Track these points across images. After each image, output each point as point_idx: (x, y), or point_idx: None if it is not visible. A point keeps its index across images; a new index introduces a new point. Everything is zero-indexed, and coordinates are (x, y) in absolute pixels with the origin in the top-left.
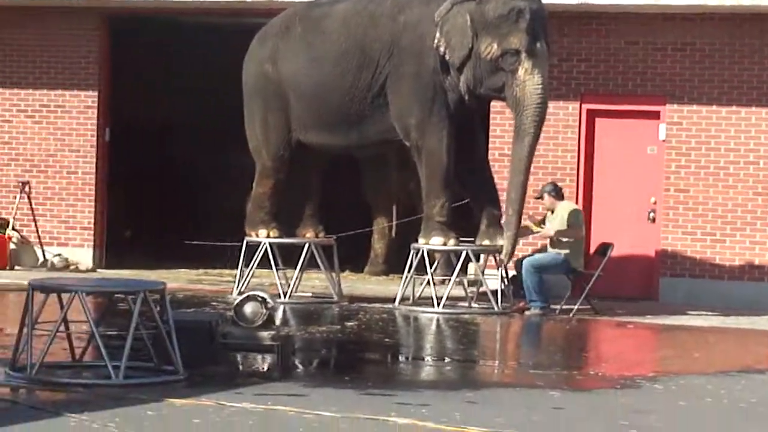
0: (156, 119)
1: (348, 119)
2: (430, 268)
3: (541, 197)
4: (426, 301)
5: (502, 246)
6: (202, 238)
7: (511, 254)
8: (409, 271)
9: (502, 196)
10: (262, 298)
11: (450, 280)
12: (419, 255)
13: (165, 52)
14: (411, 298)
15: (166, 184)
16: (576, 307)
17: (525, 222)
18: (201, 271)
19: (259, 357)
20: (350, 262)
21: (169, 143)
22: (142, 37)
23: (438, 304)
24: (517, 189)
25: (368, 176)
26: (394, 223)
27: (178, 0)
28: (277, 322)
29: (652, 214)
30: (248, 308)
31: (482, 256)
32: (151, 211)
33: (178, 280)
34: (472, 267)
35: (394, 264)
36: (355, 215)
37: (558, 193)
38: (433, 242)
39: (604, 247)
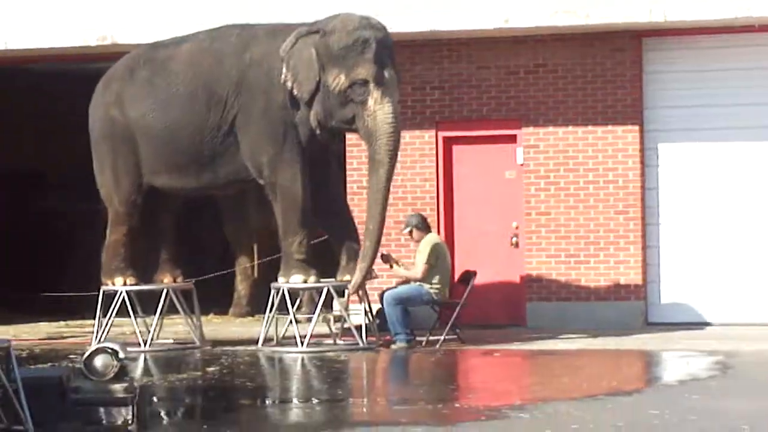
0: (14, 165)
1: (199, 160)
2: (293, 306)
3: (410, 232)
4: (290, 340)
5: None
6: (67, 287)
7: (360, 285)
8: (270, 311)
9: (362, 230)
10: (113, 349)
11: (313, 317)
12: (280, 294)
13: (24, 97)
14: (275, 338)
15: (28, 233)
16: (442, 337)
17: (391, 259)
18: (62, 323)
19: (114, 410)
20: (215, 305)
21: (31, 190)
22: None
23: (302, 343)
24: (374, 220)
25: (227, 215)
26: (256, 263)
27: (23, 48)
28: (136, 372)
29: (515, 239)
30: (98, 361)
31: (345, 291)
32: (11, 260)
33: (38, 333)
34: (336, 303)
35: (259, 305)
36: (217, 256)
37: (424, 225)
38: (293, 280)
39: (467, 275)
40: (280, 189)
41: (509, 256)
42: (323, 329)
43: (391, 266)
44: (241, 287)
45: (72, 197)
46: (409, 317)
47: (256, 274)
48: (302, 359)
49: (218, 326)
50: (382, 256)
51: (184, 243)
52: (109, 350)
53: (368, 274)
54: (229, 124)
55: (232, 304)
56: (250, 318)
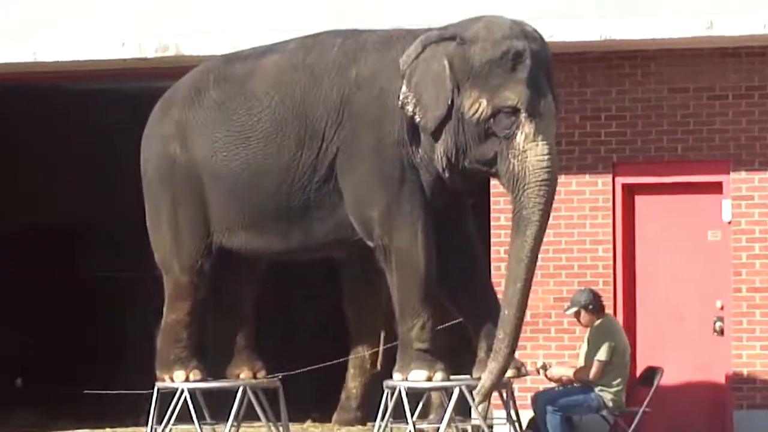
0: (53, 217)
1: (287, 214)
2: (412, 413)
3: (577, 313)
4: None
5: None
6: (121, 382)
7: (489, 393)
8: (383, 419)
9: None
10: None
11: (441, 428)
12: (395, 395)
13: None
14: None
15: (69, 308)
16: None
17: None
18: (108, 430)
19: None
20: (313, 409)
21: (73, 249)
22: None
23: None
24: (512, 302)
25: (350, 287)
26: (381, 349)
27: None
28: None
29: (719, 324)
30: None
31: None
32: (50, 347)
33: None
34: (473, 410)
35: (376, 409)
36: (320, 341)
37: (597, 305)
38: (412, 377)
39: (651, 373)
40: (396, 254)
41: (711, 348)
42: None
43: (547, 375)
44: (353, 384)
45: (121, 260)
46: (572, 430)
47: (378, 366)
48: None
49: None
50: (535, 367)
51: (271, 326)
52: None
53: (501, 377)
54: (327, 166)
55: (338, 407)
56: (361, 427)
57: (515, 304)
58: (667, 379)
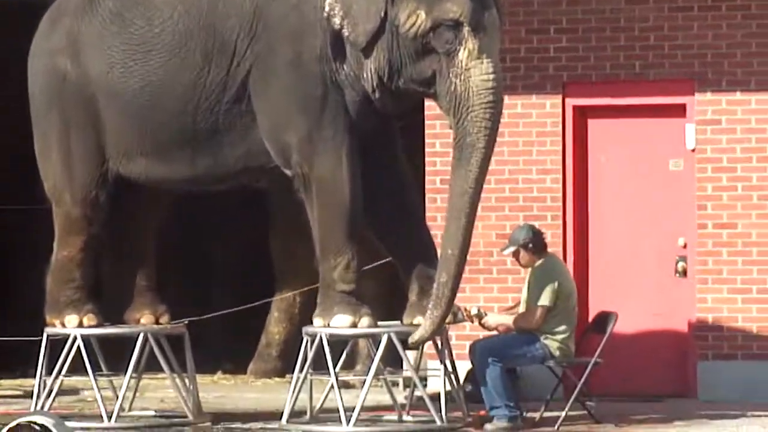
0: None
1: (193, 138)
2: (335, 363)
3: (515, 253)
4: (332, 415)
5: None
6: (8, 326)
7: (429, 338)
8: (301, 370)
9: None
10: (41, 426)
11: (367, 380)
12: (315, 344)
13: None
14: (308, 411)
15: None
16: (563, 413)
17: (473, 310)
18: None
19: None
20: (226, 359)
21: None
22: None
23: (349, 420)
24: (455, 240)
25: (276, 217)
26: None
27: None
28: None
29: (681, 264)
30: None
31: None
32: None
33: None
34: (404, 361)
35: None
36: (234, 282)
37: (538, 244)
38: (336, 323)
39: (604, 319)
40: (317, 184)
41: (672, 291)
42: (383, 397)
43: (483, 324)
44: (276, 330)
45: (6, 191)
46: (515, 383)
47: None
48: None
49: (228, 390)
50: (468, 315)
51: (176, 265)
52: (37, 427)
53: (442, 325)
54: (239, 83)
55: (256, 355)
56: (278, 379)
57: (459, 241)
58: (621, 326)
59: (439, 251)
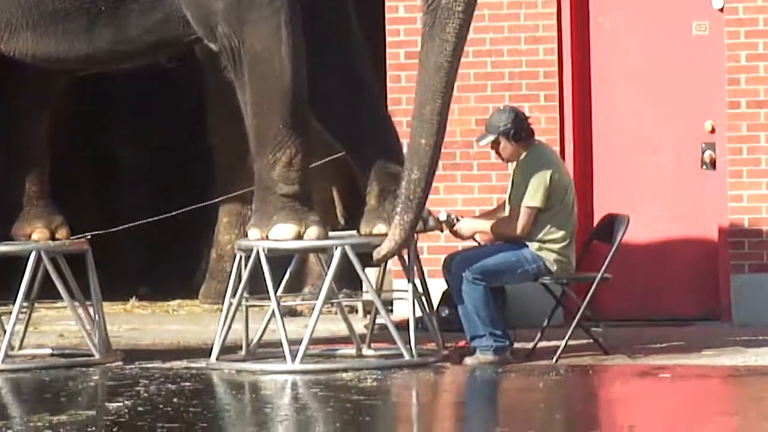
0: None
1: (91, 4)
2: (276, 285)
3: (495, 143)
4: (275, 351)
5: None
6: None
7: (398, 251)
8: (234, 295)
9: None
10: None
11: (316, 306)
12: (251, 261)
13: None
14: (244, 345)
15: None
16: (564, 342)
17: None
18: None
19: None
20: (142, 280)
21: None
22: None
23: (294, 357)
24: (428, 126)
25: (215, 102)
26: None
27: None
28: None
29: (708, 154)
30: None
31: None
32: None
33: None
34: (364, 281)
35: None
36: (149, 186)
37: (523, 131)
38: (276, 234)
39: (611, 224)
40: (250, 60)
41: (697, 188)
42: (338, 327)
43: (455, 232)
44: (228, 239)
45: None
46: (501, 305)
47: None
48: (292, 387)
49: (144, 322)
50: (437, 222)
51: (76, 166)
52: None
53: (413, 233)
54: None
55: (207, 274)
56: (208, 306)
57: (433, 128)
58: (634, 232)
59: (406, 142)
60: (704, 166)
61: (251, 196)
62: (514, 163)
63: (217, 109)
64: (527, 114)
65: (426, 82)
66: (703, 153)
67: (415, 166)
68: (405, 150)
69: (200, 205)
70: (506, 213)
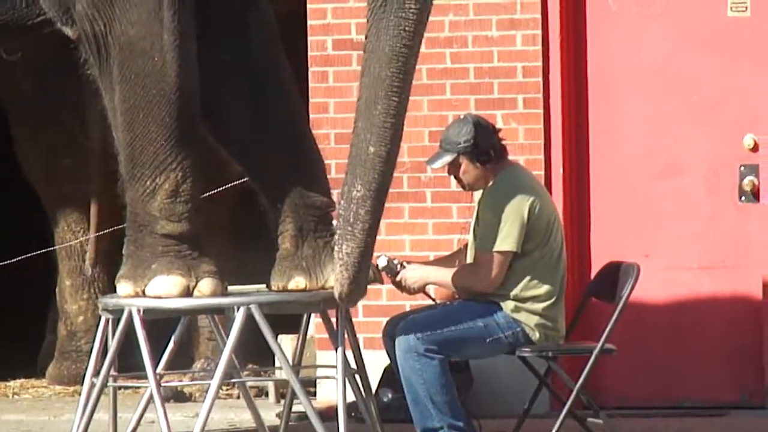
0: None
1: None
2: (155, 361)
3: (454, 163)
4: None
5: (330, 282)
6: None
7: (353, 298)
8: (97, 374)
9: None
10: None
11: (211, 387)
12: (122, 326)
13: None
14: None
15: None
16: None
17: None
18: None
19: None
20: (12, 355)
21: None
22: None
23: None
24: (379, 130)
25: (27, 141)
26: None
27: None
28: None
29: (749, 180)
30: None
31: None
32: None
33: None
34: (275, 350)
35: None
36: None
37: (489, 151)
38: (155, 289)
39: (615, 275)
40: (121, 51)
41: (733, 226)
42: (241, 416)
43: (398, 284)
44: (76, 307)
45: None
46: (464, 388)
47: (89, 266)
48: None
49: None
50: (375, 269)
51: None
52: None
53: (364, 269)
54: None
55: (56, 353)
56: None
57: (385, 135)
58: (647, 287)
59: (334, 163)
60: (743, 197)
61: (96, 245)
62: (480, 192)
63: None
64: (498, 126)
65: (376, 74)
66: (741, 179)
67: (359, 180)
68: (332, 170)
69: (16, 259)
70: (470, 259)
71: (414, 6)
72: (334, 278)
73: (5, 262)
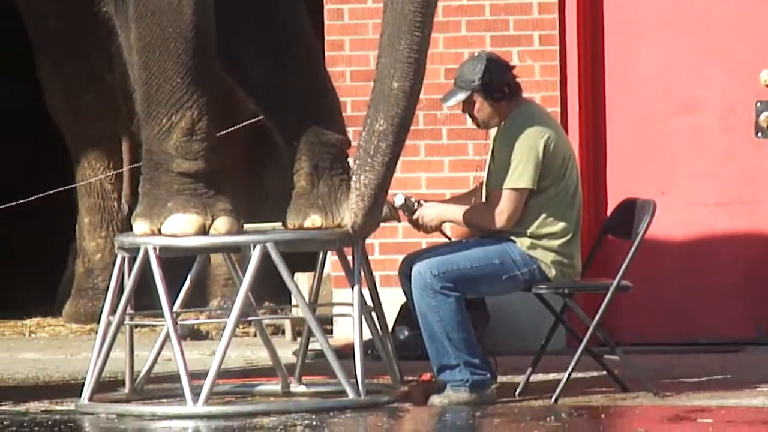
0: None
1: None
2: (172, 296)
3: (468, 100)
4: (170, 386)
5: (346, 220)
6: None
7: (368, 228)
8: (114, 311)
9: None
10: None
11: (228, 325)
12: (138, 264)
13: None
14: (127, 381)
15: None
16: (566, 374)
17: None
18: None
19: None
20: (29, 292)
21: None
22: None
23: (197, 396)
24: (403, 66)
25: (51, 73)
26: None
27: None
28: None
29: (766, 116)
30: None
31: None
32: None
33: None
34: (293, 292)
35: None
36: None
37: (504, 88)
38: (171, 227)
39: (631, 211)
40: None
41: (749, 163)
42: (258, 354)
43: (415, 222)
44: (94, 244)
45: None
46: (480, 325)
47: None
48: None
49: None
50: (391, 207)
51: None
52: None
53: (378, 204)
54: None
55: (73, 290)
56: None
57: (409, 70)
58: (663, 223)
59: (352, 130)
60: (759, 133)
61: (113, 183)
62: (495, 130)
63: (48, 58)
64: (513, 63)
65: (399, 10)
66: (758, 115)
67: (381, 114)
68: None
69: (40, 196)
70: (485, 197)
71: None
72: (349, 208)
73: (24, 200)
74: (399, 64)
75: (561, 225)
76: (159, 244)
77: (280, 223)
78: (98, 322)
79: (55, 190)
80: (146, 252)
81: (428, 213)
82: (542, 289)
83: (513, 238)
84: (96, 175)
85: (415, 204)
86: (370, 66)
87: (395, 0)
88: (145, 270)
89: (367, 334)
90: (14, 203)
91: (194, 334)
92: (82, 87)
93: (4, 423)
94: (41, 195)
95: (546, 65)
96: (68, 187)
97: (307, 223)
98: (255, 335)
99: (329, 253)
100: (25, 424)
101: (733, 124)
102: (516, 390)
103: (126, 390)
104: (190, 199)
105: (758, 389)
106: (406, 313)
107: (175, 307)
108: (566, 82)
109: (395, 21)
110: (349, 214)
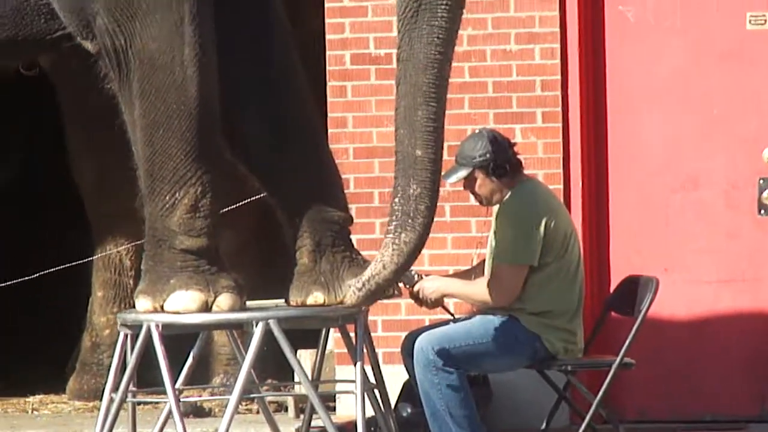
0: None
1: None
2: (174, 376)
3: (469, 177)
4: None
5: (348, 296)
6: None
7: (386, 285)
8: (116, 389)
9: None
10: None
11: (230, 402)
12: (140, 341)
13: None
14: None
15: None
16: None
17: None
18: None
19: None
20: (34, 370)
21: None
22: None
23: None
24: (423, 134)
25: (80, 140)
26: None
27: None
28: None
29: None
30: None
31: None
32: None
33: None
34: (295, 367)
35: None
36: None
37: (506, 165)
38: (174, 305)
39: (634, 289)
40: (141, 65)
41: (753, 241)
42: (259, 430)
43: (416, 296)
44: (104, 320)
45: None
46: (483, 402)
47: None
48: None
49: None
50: (406, 279)
51: None
52: None
53: (410, 262)
54: None
55: (77, 366)
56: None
57: (429, 138)
58: (666, 301)
59: (352, 177)
60: (762, 211)
61: (128, 257)
62: (497, 206)
63: (78, 135)
64: (516, 140)
65: (413, 82)
66: (760, 192)
67: (413, 180)
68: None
69: (50, 270)
70: (487, 273)
71: (446, 14)
72: (381, 260)
73: (35, 275)
74: (418, 134)
75: (563, 301)
76: (161, 321)
77: (283, 300)
78: (101, 399)
79: (74, 263)
80: (149, 329)
81: (429, 286)
82: (545, 366)
83: (516, 314)
84: (116, 247)
85: (416, 277)
86: (373, 143)
87: (408, 72)
88: (148, 347)
89: (370, 412)
90: (25, 278)
91: (197, 411)
92: (111, 163)
93: None
94: (56, 268)
95: (549, 142)
96: (88, 259)
97: (310, 300)
98: (258, 412)
99: (332, 329)
100: None
101: (736, 200)
102: None
103: None
104: (192, 275)
105: None
106: (409, 390)
107: (178, 384)
108: (569, 158)
109: (410, 93)
110: (379, 265)
